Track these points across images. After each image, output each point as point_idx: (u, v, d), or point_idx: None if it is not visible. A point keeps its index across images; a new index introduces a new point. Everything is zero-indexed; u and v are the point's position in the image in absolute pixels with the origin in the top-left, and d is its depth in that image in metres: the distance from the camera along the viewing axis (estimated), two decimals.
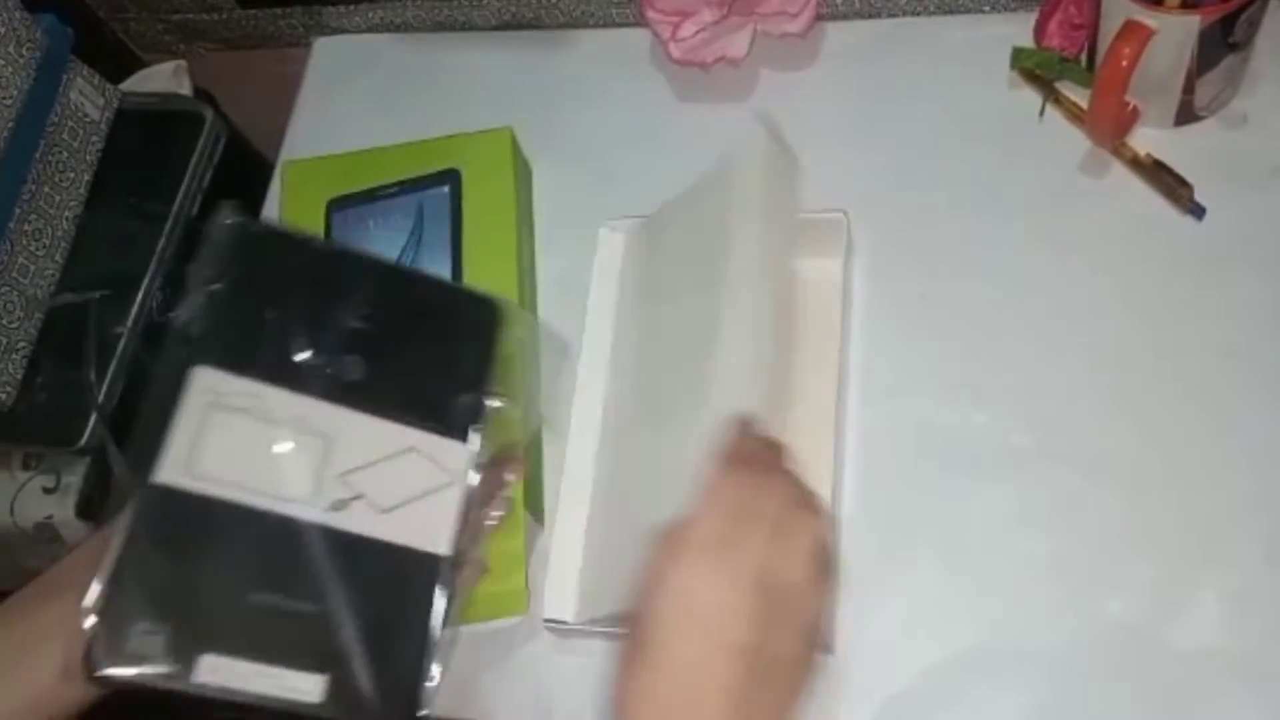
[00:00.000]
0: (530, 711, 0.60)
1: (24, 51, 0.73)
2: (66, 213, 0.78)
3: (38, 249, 0.76)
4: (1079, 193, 0.66)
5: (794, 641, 0.43)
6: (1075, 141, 0.67)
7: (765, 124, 0.57)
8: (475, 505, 0.48)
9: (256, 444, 0.46)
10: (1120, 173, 0.66)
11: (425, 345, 0.50)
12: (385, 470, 0.47)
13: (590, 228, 0.68)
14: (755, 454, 0.47)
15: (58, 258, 0.77)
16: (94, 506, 0.78)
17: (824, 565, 0.44)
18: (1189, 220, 0.64)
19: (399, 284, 0.51)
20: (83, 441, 0.75)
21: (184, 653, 0.43)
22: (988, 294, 0.64)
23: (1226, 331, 0.61)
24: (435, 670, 0.45)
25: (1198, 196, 0.63)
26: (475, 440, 0.48)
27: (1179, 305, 0.62)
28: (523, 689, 0.60)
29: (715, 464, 0.46)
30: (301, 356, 0.47)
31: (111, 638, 0.43)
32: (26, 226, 0.75)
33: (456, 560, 0.47)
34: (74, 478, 0.78)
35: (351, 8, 0.81)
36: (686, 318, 0.59)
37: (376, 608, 0.45)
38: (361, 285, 0.49)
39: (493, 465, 0.50)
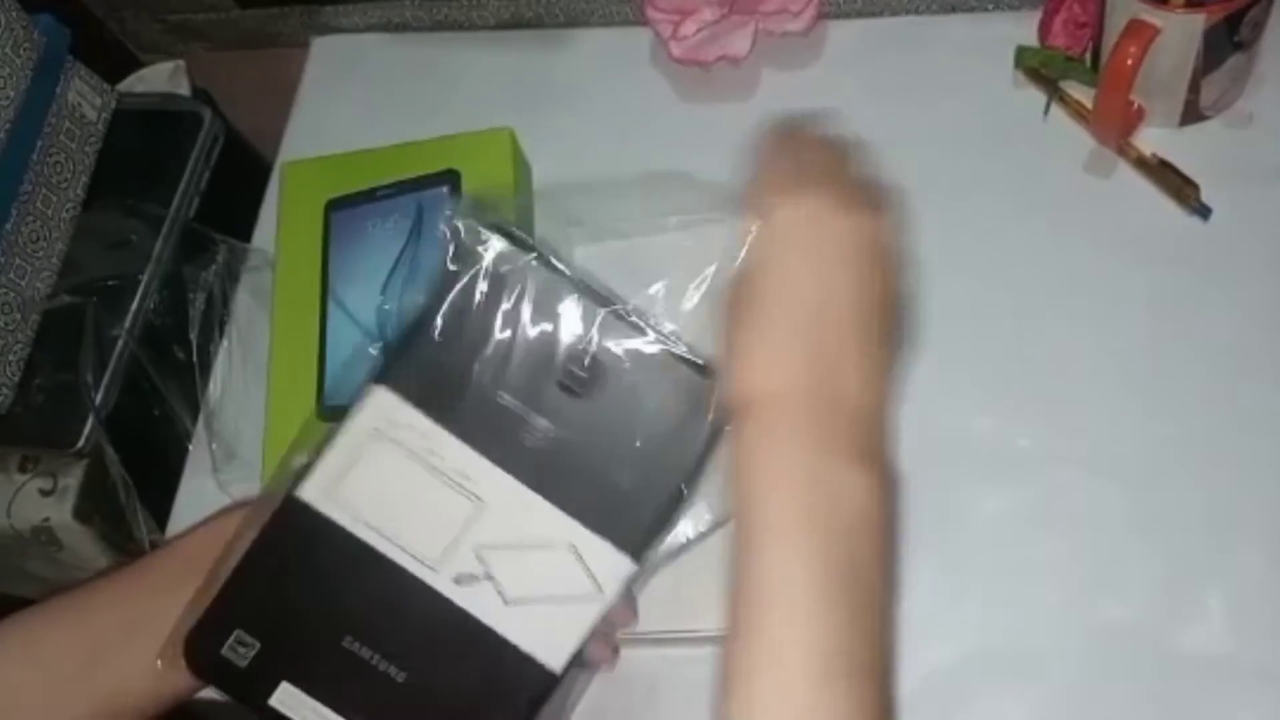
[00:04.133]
0: None
1: (21, 52, 0.73)
2: (64, 213, 0.78)
3: (35, 250, 0.76)
4: (1084, 192, 0.66)
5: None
6: (1080, 141, 0.66)
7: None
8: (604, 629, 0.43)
9: (404, 489, 0.42)
10: (1125, 172, 0.65)
11: (629, 430, 0.42)
12: (527, 559, 0.42)
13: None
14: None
15: (55, 259, 0.77)
16: (91, 509, 0.77)
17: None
18: (1195, 220, 0.63)
19: (626, 343, 0.42)
20: (80, 444, 0.74)
21: (267, 674, 0.42)
22: (991, 295, 0.64)
23: (1232, 331, 0.60)
24: None
25: (1203, 196, 0.63)
26: (644, 561, 0.42)
27: (1184, 305, 0.62)
28: None
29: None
30: (488, 405, 0.42)
31: (209, 638, 0.42)
32: (24, 227, 0.75)
33: (565, 682, 0.42)
34: (71, 480, 0.77)
35: (350, 7, 0.81)
36: None
37: (465, 704, 0.42)
38: (584, 337, 0.42)
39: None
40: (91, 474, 0.77)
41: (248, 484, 0.66)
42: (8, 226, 0.73)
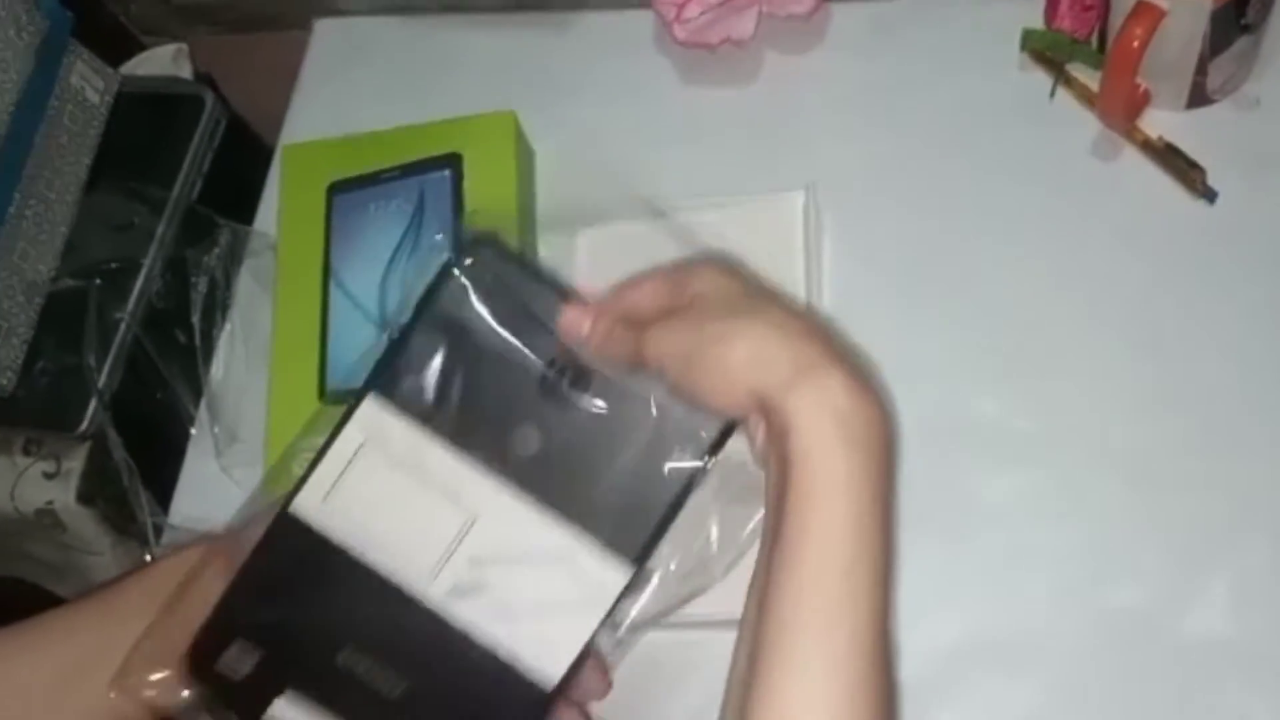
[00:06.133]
0: None
1: (24, 35, 0.72)
2: (66, 196, 0.78)
3: (38, 233, 0.76)
4: (1089, 175, 0.65)
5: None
6: (1086, 124, 0.66)
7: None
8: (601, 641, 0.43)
9: (396, 500, 0.42)
10: (1131, 156, 0.65)
11: (624, 437, 0.42)
12: (521, 570, 0.42)
13: None
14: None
15: (58, 242, 0.77)
16: (94, 492, 0.78)
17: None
18: (1201, 204, 0.63)
19: None
20: (83, 427, 0.74)
21: (265, 687, 0.42)
22: (997, 278, 0.64)
23: (1238, 315, 0.60)
24: None
25: (1210, 180, 0.62)
26: (644, 571, 0.42)
27: (1190, 289, 0.61)
28: None
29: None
30: (480, 414, 0.42)
31: (210, 646, 0.43)
32: (27, 211, 0.75)
33: (557, 697, 0.42)
34: (74, 463, 0.78)
35: None
36: None
37: (461, 718, 0.42)
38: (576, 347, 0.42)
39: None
40: (94, 457, 0.78)
41: (250, 467, 0.66)
42: (10, 210, 0.73)
